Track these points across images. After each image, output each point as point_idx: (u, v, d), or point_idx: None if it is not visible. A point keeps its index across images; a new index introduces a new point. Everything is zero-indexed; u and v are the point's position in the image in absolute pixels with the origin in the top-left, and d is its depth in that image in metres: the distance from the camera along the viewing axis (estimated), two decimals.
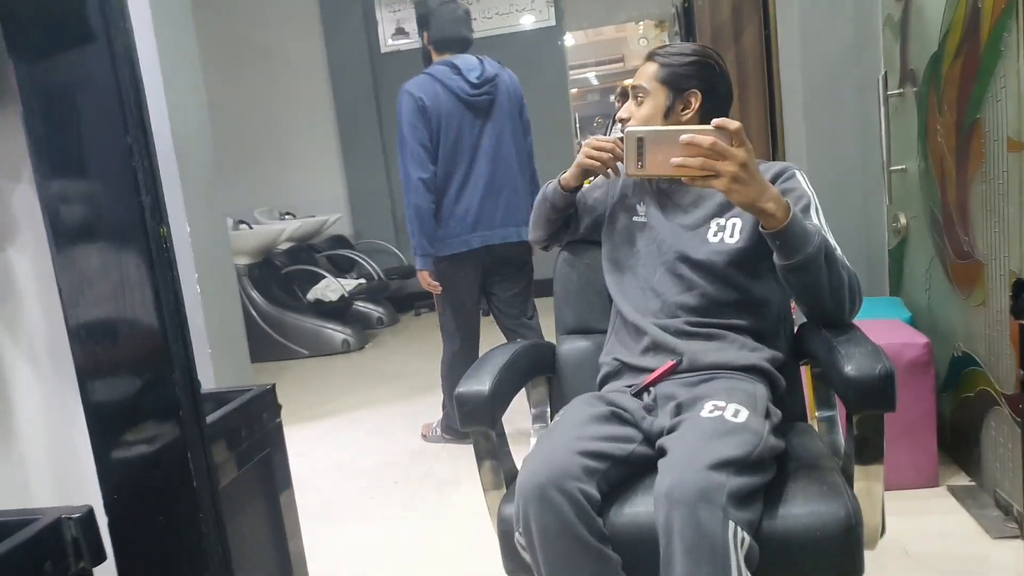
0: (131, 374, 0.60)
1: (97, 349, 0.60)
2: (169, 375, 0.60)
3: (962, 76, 1.87)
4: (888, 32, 2.35)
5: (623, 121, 1.42)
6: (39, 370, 0.65)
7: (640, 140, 1.13)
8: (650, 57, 1.44)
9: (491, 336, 3.43)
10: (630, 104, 1.43)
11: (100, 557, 0.57)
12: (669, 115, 1.40)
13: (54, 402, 0.64)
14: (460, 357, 2.61)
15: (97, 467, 0.60)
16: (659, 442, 1.18)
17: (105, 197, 0.59)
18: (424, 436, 2.85)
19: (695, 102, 1.39)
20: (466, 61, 2.49)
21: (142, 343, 0.60)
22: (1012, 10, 1.62)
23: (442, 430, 2.77)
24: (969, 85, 1.84)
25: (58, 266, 0.60)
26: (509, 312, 2.66)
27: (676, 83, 1.39)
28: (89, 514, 0.56)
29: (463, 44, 2.53)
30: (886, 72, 2.27)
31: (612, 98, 6.87)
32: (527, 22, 5.37)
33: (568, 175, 1.49)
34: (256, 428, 1.07)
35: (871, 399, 1.08)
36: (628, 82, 1.47)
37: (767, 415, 1.20)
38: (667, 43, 1.53)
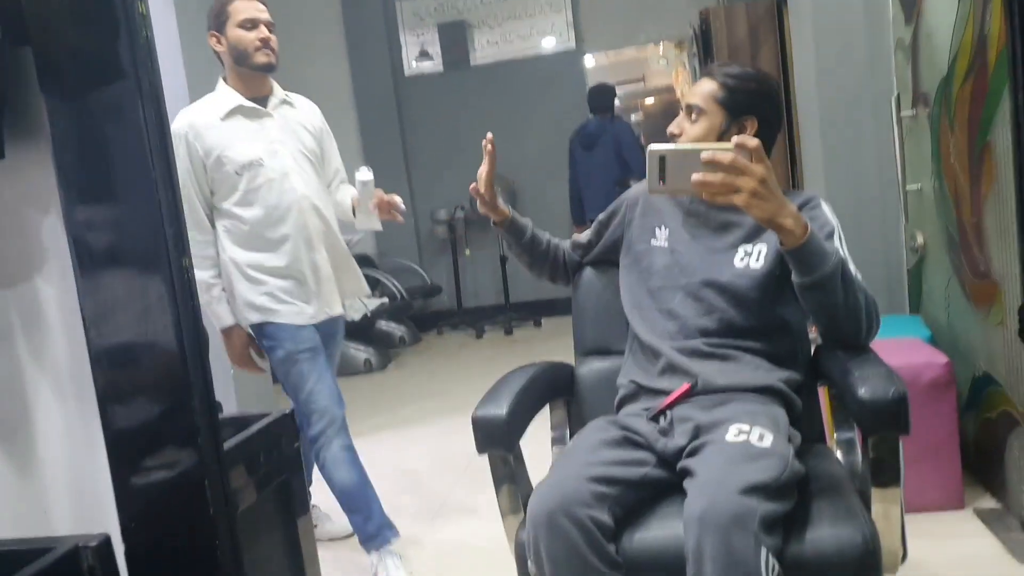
0: (151, 401, 0.62)
1: (118, 376, 0.62)
2: (188, 402, 0.62)
3: (972, 98, 1.87)
4: (900, 55, 2.35)
5: (674, 136, 1.40)
6: (62, 396, 0.67)
7: (662, 158, 1.14)
8: (709, 75, 1.42)
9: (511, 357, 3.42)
10: (683, 120, 1.41)
11: None
12: (722, 138, 1.37)
13: (75, 428, 0.67)
14: None
15: (115, 493, 0.61)
16: (681, 464, 1.18)
17: (130, 228, 0.62)
18: None
19: (750, 128, 1.38)
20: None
21: (162, 370, 0.62)
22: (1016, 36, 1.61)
23: None
24: (979, 107, 1.83)
25: (82, 294, 0.62)
26: None
27: (734, 107, 1.38)
28: (106, 542, 0.58)
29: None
30: (899, 94, 2.26)
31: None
32: (548, 45, 5.42)
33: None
34: (275, 453, 1.09)
35: (885, 422, 1.08)
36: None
37: (789, 439, 1.20)
38: (728, 62, 1.50)
